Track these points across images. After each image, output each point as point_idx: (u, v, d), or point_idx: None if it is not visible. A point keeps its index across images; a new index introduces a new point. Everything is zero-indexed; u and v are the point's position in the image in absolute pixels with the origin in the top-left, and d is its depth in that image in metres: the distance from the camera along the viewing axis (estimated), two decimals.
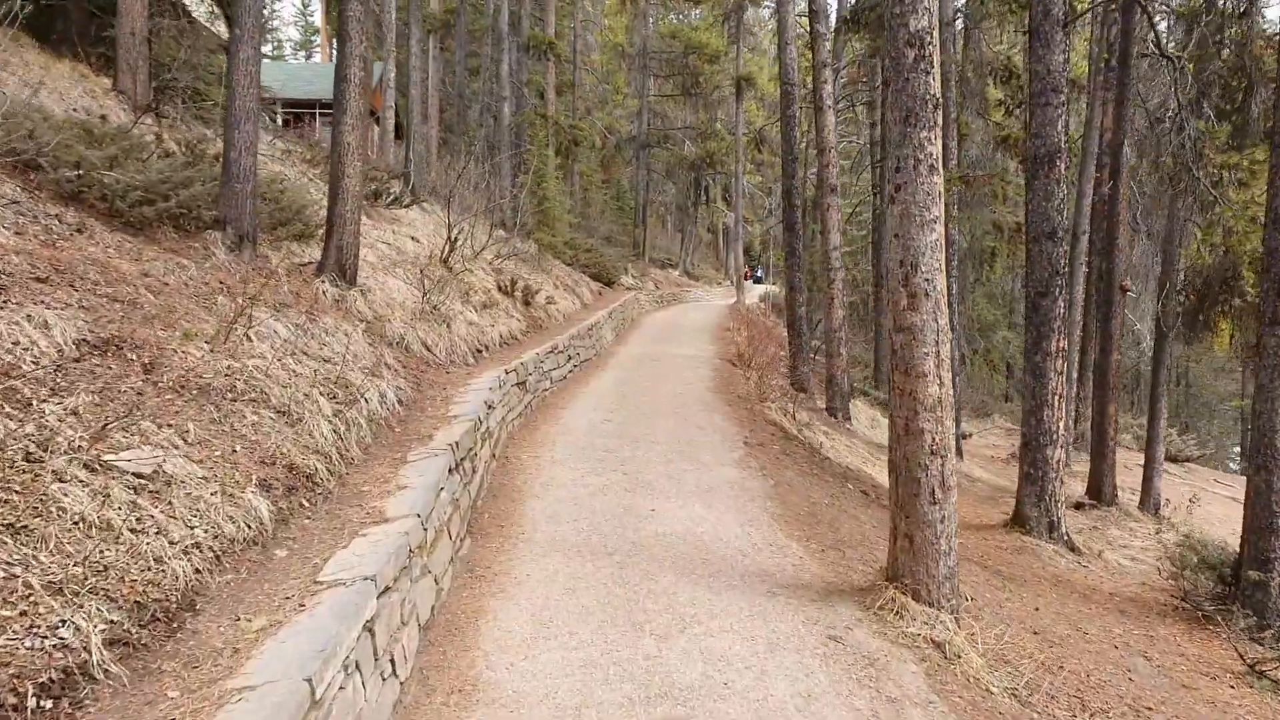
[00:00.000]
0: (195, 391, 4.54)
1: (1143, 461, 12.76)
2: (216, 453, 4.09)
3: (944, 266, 4.45)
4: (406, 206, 15.34)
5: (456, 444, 5.68)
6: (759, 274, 43.69)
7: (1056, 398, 8.15)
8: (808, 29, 14.43)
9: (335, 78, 8.94)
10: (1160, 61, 10.76)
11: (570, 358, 12.47)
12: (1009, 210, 26.04)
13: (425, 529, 4.38)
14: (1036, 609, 5.93)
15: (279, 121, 17.54)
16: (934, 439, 4.39)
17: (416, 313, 9.19)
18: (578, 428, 8.52)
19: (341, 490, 4.73)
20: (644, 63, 37.63)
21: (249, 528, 3.77)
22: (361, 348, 7.20)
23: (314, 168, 14.02)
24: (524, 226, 19.57)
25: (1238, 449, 30.30)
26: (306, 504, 4.39)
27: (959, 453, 14.19)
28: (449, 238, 12.09)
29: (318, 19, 52.18)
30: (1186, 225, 11.89)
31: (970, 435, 18.41)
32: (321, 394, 5.68)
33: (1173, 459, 20.47)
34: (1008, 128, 24.20)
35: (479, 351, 9.69)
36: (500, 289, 13.82)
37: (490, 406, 7.16)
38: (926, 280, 4.35)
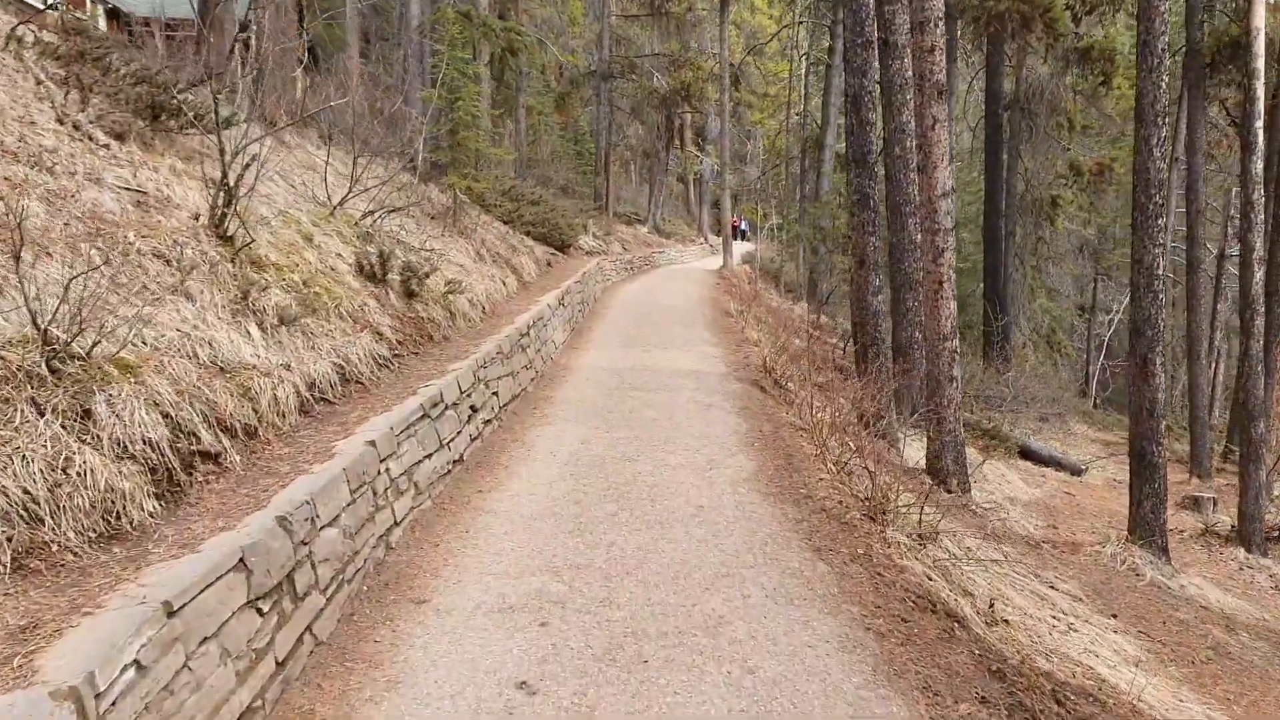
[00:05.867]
0: None
1: None
2: None
3: None
4: (210, 132, 9.05)
5: None
6: (744, 228, 37.38)
7: None
8: None
9: None
10: None
11: (474, 410, 6.53)
12: (1093, 144, 20.31)
13: None
14: None
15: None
16: None
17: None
18: None
19: None
20: None
21: None
22: None
23: (56, 64, 7.59)
24: (435, 167, 13.35)
25: None
26: None
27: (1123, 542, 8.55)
28: (223, 178, 5.99)
29: None
30: None
31: (1086, 469, 12.94)
32: None
33: None
34: (1088, 36, 18.40)
35: (199, 460, 3.69)
36: (363, 269, 7.80)
37: None
38: None
